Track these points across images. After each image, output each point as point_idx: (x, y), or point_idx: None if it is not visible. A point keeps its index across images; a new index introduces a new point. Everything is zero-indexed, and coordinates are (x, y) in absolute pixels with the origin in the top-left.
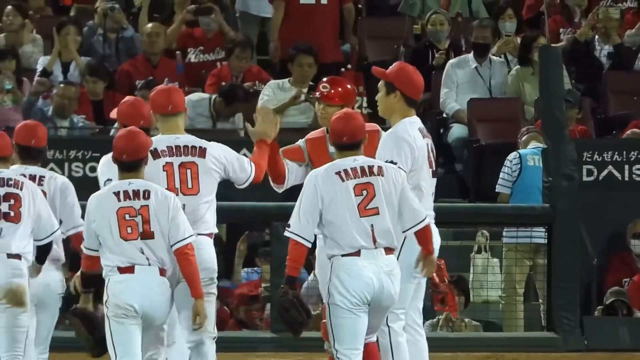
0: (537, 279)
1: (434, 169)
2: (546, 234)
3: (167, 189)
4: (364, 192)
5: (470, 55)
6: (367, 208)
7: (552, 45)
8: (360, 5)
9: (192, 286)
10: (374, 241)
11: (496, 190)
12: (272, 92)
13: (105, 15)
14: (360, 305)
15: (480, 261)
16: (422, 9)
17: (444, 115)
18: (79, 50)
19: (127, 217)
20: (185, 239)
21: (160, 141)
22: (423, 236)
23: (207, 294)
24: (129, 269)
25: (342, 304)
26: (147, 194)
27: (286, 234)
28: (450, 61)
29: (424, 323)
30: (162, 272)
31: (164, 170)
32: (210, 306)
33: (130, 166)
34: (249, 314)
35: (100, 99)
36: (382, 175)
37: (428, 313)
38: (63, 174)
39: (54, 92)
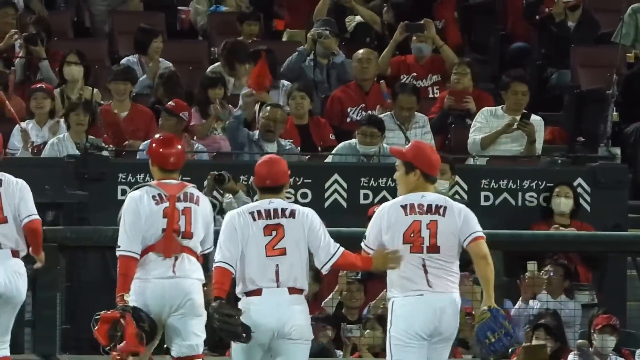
0: None
1: (427, 244)
2: None
3: None
4: (274, 233)
5: None
6: (274, 248)
7: None
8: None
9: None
10: (277, 280)
11: None
12: (484, 119)
13: (315, 42)
14: (264, 347)
15: None
16: (635, 37)
17: None
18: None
19: None
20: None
21: None
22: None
23: None
24: None
25: (239, 346)
26: None
27: (215, 263)
28: None
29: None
30: (15, 253)
31: None
32: None
33: None
34: None
35: (305, 123)
36: (293, 218)
37: None
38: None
39: (260, 115)
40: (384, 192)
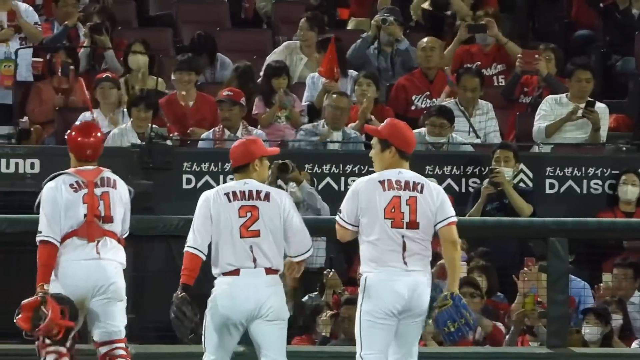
0: None
1: (407, 220)
2: None
3: None
4: (248, 214)
5: None
6: (249, 229)
7: None
8: None
9: None
10: (254, 261)
11: None
12: (549, 107)
13: (378, 28)
14: (236, 326)
15: None
16: None
17: None
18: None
19: None
20: None
21: None
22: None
23: None
24: None
25: (213, 322)
26: None
27: (186, 248)
28: None
29: None
30: None
31: None
32: None
33: None
34: None
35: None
36: (268, 201)
37: None
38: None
39: (326, 103)
40: (449, 180)
